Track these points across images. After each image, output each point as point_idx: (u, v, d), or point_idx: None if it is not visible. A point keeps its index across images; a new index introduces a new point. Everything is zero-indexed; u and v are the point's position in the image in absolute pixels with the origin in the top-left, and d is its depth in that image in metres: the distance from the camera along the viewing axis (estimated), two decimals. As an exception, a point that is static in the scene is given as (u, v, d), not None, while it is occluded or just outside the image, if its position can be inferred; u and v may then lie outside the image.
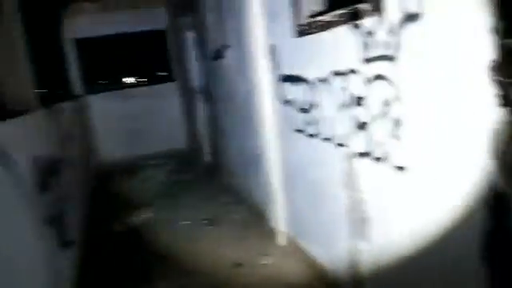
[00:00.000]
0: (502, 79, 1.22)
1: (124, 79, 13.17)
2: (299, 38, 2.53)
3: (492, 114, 1.26)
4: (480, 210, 1.37)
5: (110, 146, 7.29)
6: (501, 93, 1.23)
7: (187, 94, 6.90)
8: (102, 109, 7.37)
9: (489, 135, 1.29)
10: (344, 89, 2.11)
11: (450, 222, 1.54)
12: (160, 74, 9.61)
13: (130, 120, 7.37)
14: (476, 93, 1.32)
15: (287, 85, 2.87)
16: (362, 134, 2.02)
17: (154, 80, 10.34)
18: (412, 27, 1.56)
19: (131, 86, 11.56)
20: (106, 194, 5.62)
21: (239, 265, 3.11)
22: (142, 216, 4.45)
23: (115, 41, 8.03)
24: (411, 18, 1.54)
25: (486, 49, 1.25)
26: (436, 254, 1.64)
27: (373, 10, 1.73)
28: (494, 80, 1.24)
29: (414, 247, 1.77)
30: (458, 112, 1.42)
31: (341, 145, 2.24)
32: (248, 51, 3.40)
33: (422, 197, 1.68)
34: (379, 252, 2.05)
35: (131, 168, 6.68)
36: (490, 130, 1.28)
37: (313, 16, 2.40)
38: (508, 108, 1.21)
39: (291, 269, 2.97)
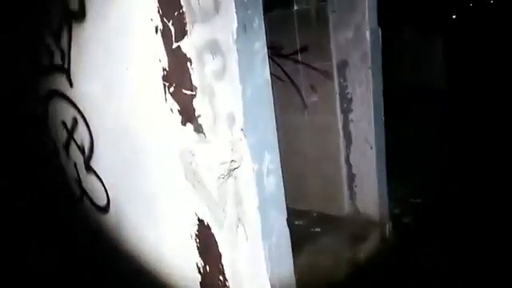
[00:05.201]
0: (179, 90, 1.00)
1: None
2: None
3: (178, 132, 1.05)
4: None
5: None
6: (181, 107, 1.01)
7: None
8: None
9: (182, 156, 1.07)
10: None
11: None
12: None
13: None
14: (159, 107, 1.07)
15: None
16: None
17: None
18: (78, 27, 1.20)
19: None
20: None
21: None
22: None
23: None
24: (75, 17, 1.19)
25: (161, 54, 1.02)
26: None
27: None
28: (170, 92, 1.01)
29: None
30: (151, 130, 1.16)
31: None
32: None
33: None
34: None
35: None
36: (183, 151, 1.07)
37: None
38: (193, 125, 1.01)
39: None
